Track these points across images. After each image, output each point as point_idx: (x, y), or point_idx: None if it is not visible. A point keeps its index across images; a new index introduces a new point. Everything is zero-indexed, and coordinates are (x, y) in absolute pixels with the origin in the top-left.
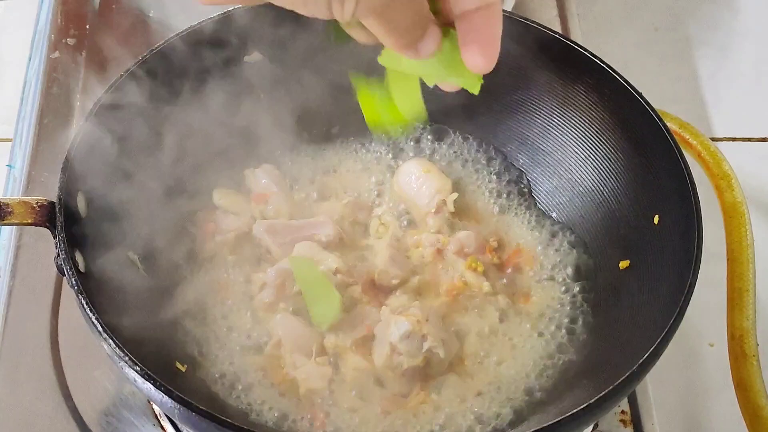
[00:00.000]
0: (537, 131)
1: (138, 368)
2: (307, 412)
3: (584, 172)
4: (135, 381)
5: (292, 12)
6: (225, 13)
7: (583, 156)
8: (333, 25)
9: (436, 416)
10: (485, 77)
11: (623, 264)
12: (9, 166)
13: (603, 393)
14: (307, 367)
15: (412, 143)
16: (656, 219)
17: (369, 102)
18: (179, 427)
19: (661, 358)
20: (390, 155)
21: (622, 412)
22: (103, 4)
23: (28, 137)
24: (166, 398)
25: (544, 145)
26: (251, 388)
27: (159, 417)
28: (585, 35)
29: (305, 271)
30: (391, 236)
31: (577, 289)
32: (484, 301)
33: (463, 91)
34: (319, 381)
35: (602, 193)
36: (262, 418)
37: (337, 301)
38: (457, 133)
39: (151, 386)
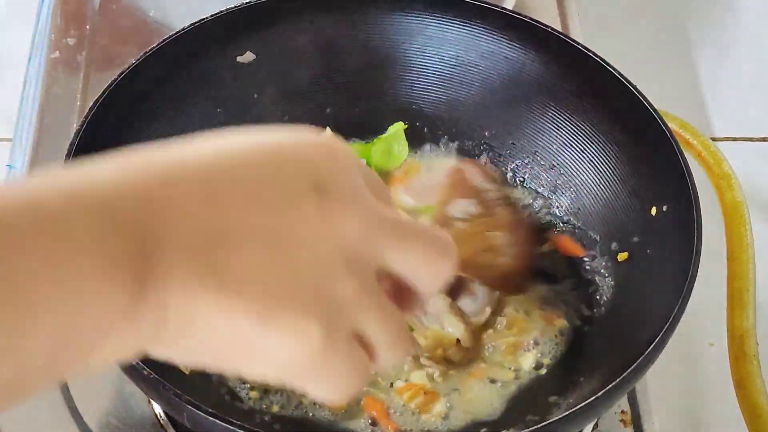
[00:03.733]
0: (532, 127)
1: (146, 371)
2: (365, 413)
3: (580, 166)
4: (142, 385)
5: (288, 12)
6: (219, 13)
7: (578, 149)
8: None
9: (437, 412)
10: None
11: (621, 256)
12: (9, 166)
13: (604, 390)
14: None
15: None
16: (653, 210)
17: None
18: (181, 429)
19: (661, 357)
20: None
21: (622, 411)
22: (103, 4)
23: (28, 137)
24: (176, 401)
25: (540, 141)
26: (267, 394)
27: (159, 417)
28: (585, 35)
29: None
30: None
31: (575, 283)
32: None
33: (458, 88)
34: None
35: (599, 185)
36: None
37: None
38: (451, 128)
39: (161, 390)
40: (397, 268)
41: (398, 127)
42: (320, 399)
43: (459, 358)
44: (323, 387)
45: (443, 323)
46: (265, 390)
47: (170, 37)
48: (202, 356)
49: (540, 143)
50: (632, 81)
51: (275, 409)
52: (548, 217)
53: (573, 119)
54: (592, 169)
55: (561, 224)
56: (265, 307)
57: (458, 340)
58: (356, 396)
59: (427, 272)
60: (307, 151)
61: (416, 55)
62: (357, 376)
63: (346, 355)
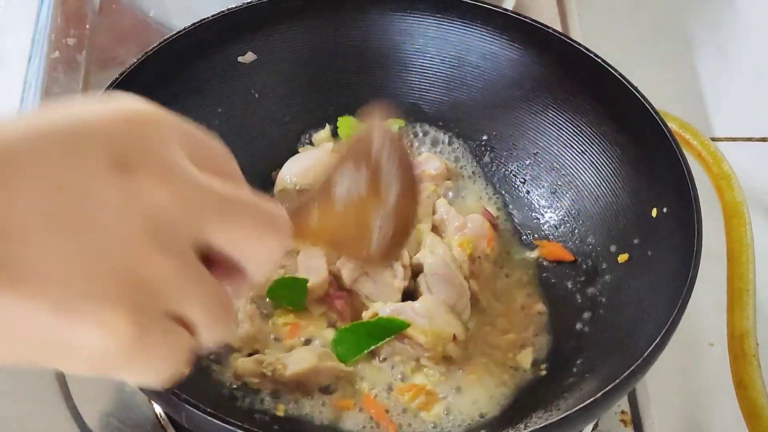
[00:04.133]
0: (533, 127)
1: None
2: (369, 409)
3: (581, 167)
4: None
5: (288, 12)
6: (219, 13)
7: (579, 150)
8: None
9: (437, 412)
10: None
11: (622, 258)
12: None
13: (605, 390)
14: (294, 357)
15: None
16: (654, 212)
17: None
18: (181, 429)
19: (661, 357)
20: None
21: (623, 412)
22: (103, 4)
23: None
24: (175, 401)
25: (541, 141)
26: (271, 396)
27: (159, 417)
28: (585, 35)
29: None
30: None
31: (576, 284)
32: None
33: (458, 89)
34: (321, 358)
35: (600, 186)
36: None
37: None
38: (452, 129)
39: (160, 390)
40: (220, 245)
41: (396, 122)
42: (138, 385)
43: (458, 354)
44: (140, 374)
45: (437, 320)
46: (264, 391)
47: (170, 37)
48: (16, 354)
49: (540, 144)
50: (632, 81)
51: (275, 409)
52: (537, 223)
53: (573, 120)
54: (593, 170)
55: (555, 228)
56: (62, 299)
57: (454, 336)
58: (177, 376)
59: (253, 251)
60: (106, 127)
61: (417, 55)
62: (176, 357)
63: (162, 338)
